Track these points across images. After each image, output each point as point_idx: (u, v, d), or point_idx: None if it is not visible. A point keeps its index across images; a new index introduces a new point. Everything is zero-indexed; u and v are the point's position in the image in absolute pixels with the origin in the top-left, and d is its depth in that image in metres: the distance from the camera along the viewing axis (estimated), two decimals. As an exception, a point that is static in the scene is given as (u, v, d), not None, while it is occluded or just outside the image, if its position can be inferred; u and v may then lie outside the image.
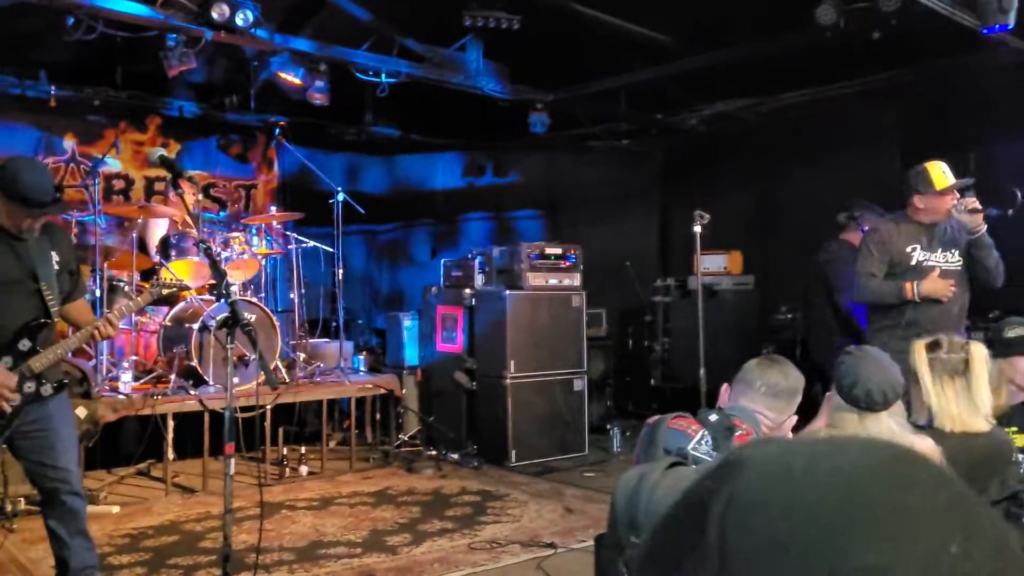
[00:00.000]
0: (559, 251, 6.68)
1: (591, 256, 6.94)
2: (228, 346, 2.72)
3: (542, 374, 6.47)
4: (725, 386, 2.46)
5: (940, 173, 4.20)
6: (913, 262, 4.24)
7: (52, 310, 3.51)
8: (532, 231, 8.81)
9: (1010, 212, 4.37)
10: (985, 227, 4.14)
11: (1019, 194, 4.44)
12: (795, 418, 2.48)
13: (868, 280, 4.27)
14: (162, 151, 2.92)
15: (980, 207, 4.14)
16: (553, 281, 6.61)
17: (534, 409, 6.40)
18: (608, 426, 7.01)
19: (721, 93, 7.58)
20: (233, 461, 2.63)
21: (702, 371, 5.22)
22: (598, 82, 7.18)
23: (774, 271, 7.59)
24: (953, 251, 4.26)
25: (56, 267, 3.57)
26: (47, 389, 3.49)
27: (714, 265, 7.60)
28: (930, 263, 4.23)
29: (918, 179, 4.24)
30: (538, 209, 9.00)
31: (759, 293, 7.64)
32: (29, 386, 3.42)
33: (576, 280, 6.75)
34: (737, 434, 2.20)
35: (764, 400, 2.40)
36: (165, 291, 3.91)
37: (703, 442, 2.17)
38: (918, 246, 4.24)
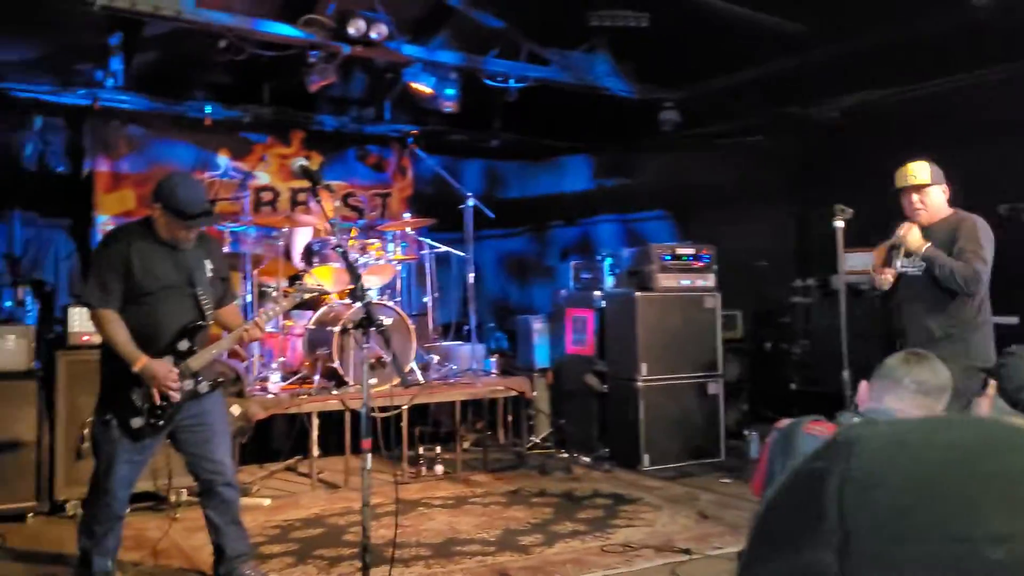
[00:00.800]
0: (691, 251, 6.57)
1: (724, 256, 6.78)
2: (363, 346, 2.84)
3: (675, 377, 6.36)
4: (864, 383, 2.35)
5: (900, 172, 4.25)
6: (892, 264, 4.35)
7: (207, 313, 3.77)
8: (662, 232, 8.69)
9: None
10: (923, 248, 4.09)
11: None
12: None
13: None
14: (303, 161, 3.10)
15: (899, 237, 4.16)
16: (685, 282, 6.50)
17: (667, 412, 6.31)
18: (745, 431, 6.81)
19: (861, 82, 7.23)
20: (370, 456, 2.74)
21: (845, 374, 5.00)
22: (728, 77, 7.01)
23: (924, 269, 7.17)
24: None
25: (210, 274, 3.84)
26: (204, 387, 3.76)
27: (860, 263, 7.22)
28: (898, 266, 4.28)
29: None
30: (668, 209, 8.87)
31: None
32: (187, 384, 3.69)
33: (710, 281, 6.61)
34: None
35: (913, 398, 2.29)
36: (306, 295, 4.12)
37: None
38: (898, 251, 4.31)
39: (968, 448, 0.50)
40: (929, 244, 4.13)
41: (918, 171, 4.23)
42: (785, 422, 2.26)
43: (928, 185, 4.22)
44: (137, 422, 3.59)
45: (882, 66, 6.70)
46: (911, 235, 4.16)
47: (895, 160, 7.43)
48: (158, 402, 3.60)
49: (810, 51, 6.40)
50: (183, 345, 3.69)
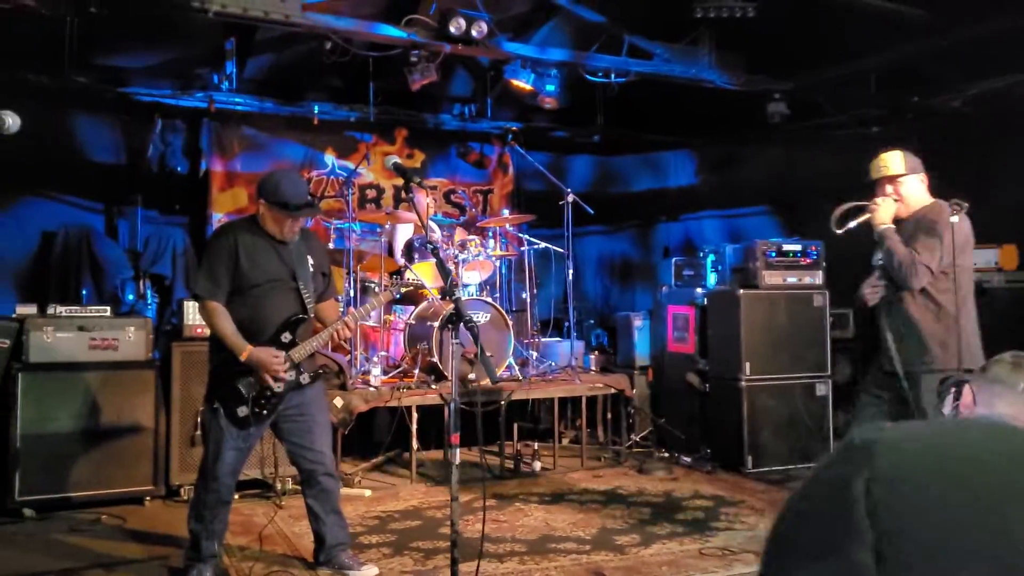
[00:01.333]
0: (798, 247, 6.34)
1: (834, 254, 6.51)
2: (453, 341, 2.86)
3: (780, 377, 6.16)
4: (969, 389, 2.20)
5: (874, 162, 3.99)
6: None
7: (308, 307, 3.88)
8: (768, 227, 8.41)
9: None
10: (882, 225, 3.88)
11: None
12: None
13: None
14: (396, 159, 3.14)
15: (875, 203, 3.95)
16: (792, 279, 6.28)
17: (772, 414, 6.11)
18: (855, 435, 6.53)
19: (990, 69, 6.81)
20: (458, 451, 2.75)
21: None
22: (842, 66, 6.72)
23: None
24: None
25: (311, 269, 3.95)
26: (305, 378, 3.87)
27: (983, 260, 6.83)
28: (877, 260, 4.04)
29: None
30: (775, 204, 8.58)
31: (1038, 291, 6.77)
32: (290, 375, 3.81)
33: (818, 278, 6.37)
34: None
35: None
36: (403, 290, 4.19)
37: None
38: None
39: (998, 453, 0.51)
40: (891, 226, 3.89)
41: (891, 161, 3.96)
42: None
43: (902, 175, 3.94)
44: (243, 411, 3.73)
45: (1010, 52, 6.28)
46: (883, 208, 3.91)
47: (1024, 151, 6.95)
48: (269, 384, 3.71)
49: (931, 37, 6.06)
50: (285, 337, 3.81)
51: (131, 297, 6.43)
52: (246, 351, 3.69)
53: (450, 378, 5.80)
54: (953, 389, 2.43)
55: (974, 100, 7.21)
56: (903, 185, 3.95)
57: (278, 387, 3.75)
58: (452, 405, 2.70)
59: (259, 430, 3.87)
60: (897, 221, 3.97)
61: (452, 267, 6.22)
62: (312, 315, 3.94)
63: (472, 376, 5.79)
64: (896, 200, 3.94)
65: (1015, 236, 6.88)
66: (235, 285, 3.78)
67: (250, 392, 3.73)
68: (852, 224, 4.02)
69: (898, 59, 6.46)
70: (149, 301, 6.30)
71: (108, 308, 5.29)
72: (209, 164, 7.32)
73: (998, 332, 6.23)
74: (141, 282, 6.53)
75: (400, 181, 7.72)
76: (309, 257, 3.97)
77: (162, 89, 7.00)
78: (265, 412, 3.78)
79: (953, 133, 7.67)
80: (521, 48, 6.24)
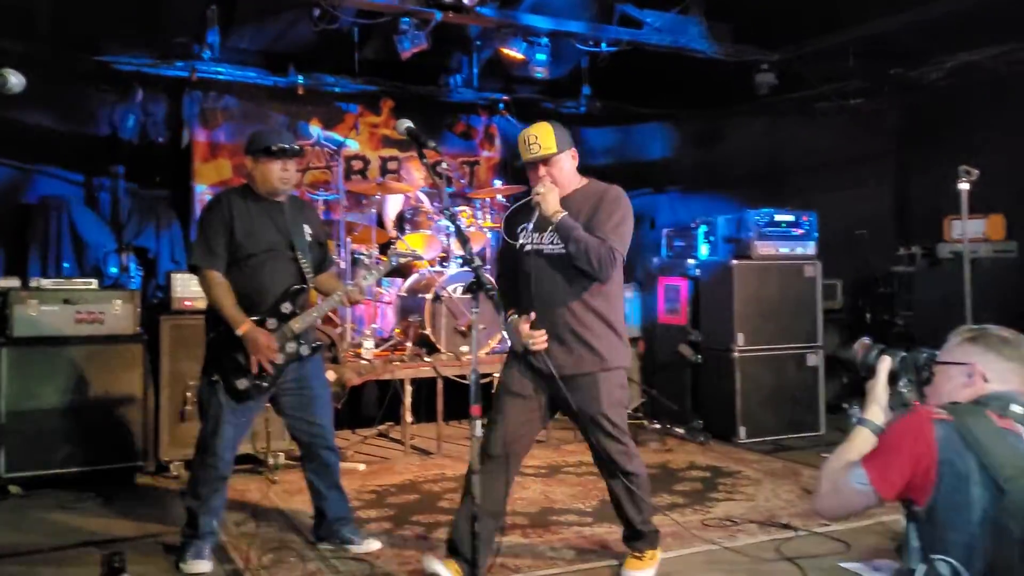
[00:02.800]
0: (791, 218, 6.34)
1: (821, 225, 6.54)
2: (473, 310, 2.78)
3: (772, 348, 6.18)
4: (978, 365, 2.09)
5: (521, 140, 3.40)
6: (518, 245, 3.44)
7: (308, 276, 3.79)
8: (756, 199, 8.42)
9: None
10: (559, 214, 3.28)
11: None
12: None
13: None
14: (409, 122, 3.03)
15: (537, 193, 3.32)
16: (784, 250, 6.29)
17: (764, 384, 6.14)
18: (845, 404, 6.57)
19: (970, 41, 6.83)
20: (479, 423, 2.68)
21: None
22: (828, 37, 6.72)
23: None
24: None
25: (308, 238, 3.85)
26: (305, 349, 3.78)
27: (970, 231, 6.88)
28: (531, 246, 3.39)
29: None
30: (763, 176, 8.59)
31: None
32: (290, 346, 3.71)
33: (809, 248, 6.39)
34: None
35: None
36: (402, 259, 4.10)
37: None
38: (528, 226, 3.38)
39: None
40: (565, 212, 3.30)
41: (544, 140, 3.33)
42: (942, 412, 2.00)
43: (556, 154, 3.36)
44: (243, 383, 3.63)
45: (994, 23, 6.29)
46: (550, 197, 3.31)
47: (1012, 124, 7.02)
48: (255, 371, 3.63)
49: (914, 9, 6.06)
50: (285, 308, 3.71)
51: (114, 270, 6.27)
52: (244, 326, 3.59)
53: (444, 350, 5.77)
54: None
55: (954, 72, 7.24)
56: (557, 165, 3.38)
57: (270, 369, 3.65)
58: (473, 375, 2.63)
59: (259, 403, 3.78)
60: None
61: (444, 239, 6.14)
62: (311, 285, 3.85)
63: (465, 348, 5.73)
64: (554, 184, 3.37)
65: (1000, 206, 6.93)
66: (232, 255, 3.67)
67: (250, 364, 3.64)
68: (523, 240, 3.41)
69: (879, 31, 6.46)
70: (133, 274, 6.14)
71: (95, 281, 5.14)
72: (192, 135, 7.14)
73: (984, 302, 6.30)
74: (124, 255, 6.35)
75: (389, 152, 7.67)
76: (306, 226, 3.87)
77: (142, 58, 6.78)
78: (266, 384, 3.69)
79: (933, 106, 7.71)
80: (511, 16, 6.12)
